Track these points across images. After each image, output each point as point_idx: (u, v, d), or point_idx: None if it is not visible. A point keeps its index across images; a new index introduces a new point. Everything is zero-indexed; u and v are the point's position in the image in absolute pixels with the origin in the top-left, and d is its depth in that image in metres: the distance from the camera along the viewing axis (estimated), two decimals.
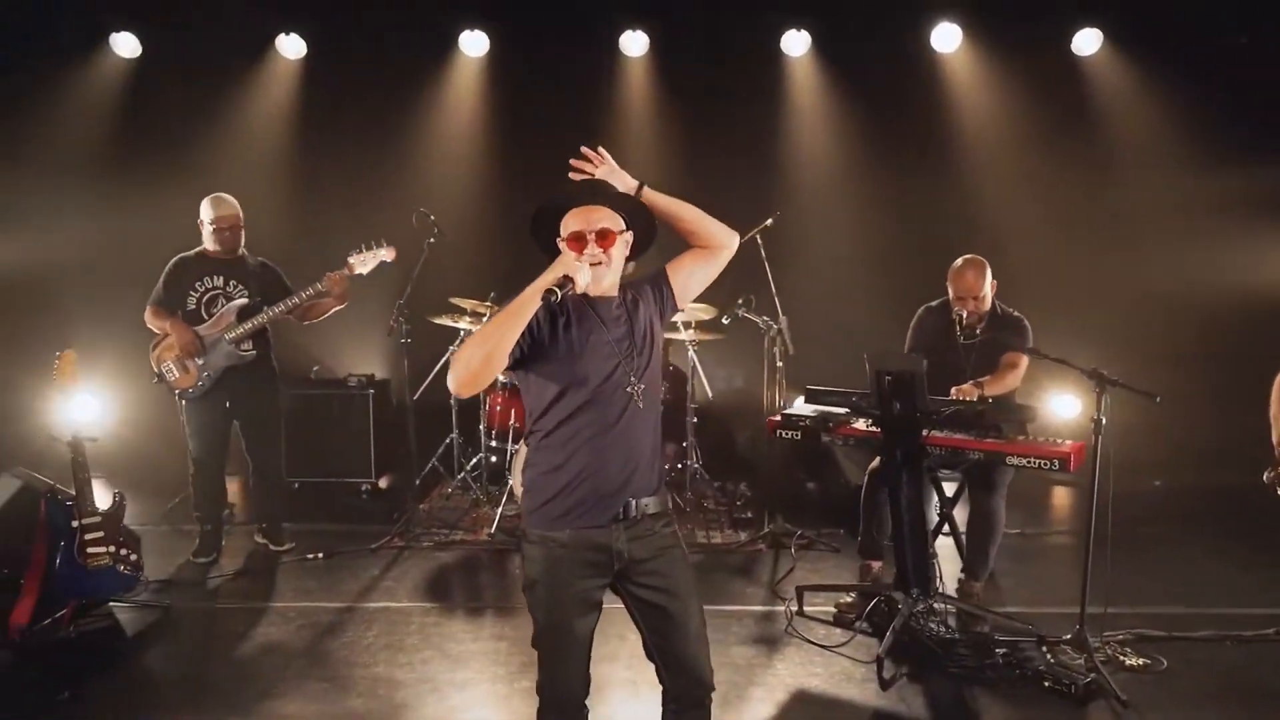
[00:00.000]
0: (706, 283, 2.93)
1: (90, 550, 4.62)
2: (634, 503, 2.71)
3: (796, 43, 7.36)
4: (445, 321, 6.47)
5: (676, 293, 2.88)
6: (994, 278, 4.82)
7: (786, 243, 6.47)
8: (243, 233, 5.45)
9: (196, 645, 4.63)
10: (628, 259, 2.86)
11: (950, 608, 4.50)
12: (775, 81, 7.51)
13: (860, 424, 4.54)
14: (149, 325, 5.37)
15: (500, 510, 5.95)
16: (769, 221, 5.82)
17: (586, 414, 2.68)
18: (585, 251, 2.68)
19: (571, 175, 2.87)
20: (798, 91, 7.52)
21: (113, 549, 4.68)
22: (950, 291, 4.88)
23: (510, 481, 5.91)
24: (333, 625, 4.72)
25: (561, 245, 2.73)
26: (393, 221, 5.87)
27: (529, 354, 2.66)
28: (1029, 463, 4.21)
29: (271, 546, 5.71)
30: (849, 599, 4.77)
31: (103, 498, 4.70)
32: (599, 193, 2.79)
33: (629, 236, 2.81)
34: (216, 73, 7.27)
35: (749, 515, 6.26)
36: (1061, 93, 7.34)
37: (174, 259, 5.41)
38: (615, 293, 2.80)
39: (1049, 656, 4.20)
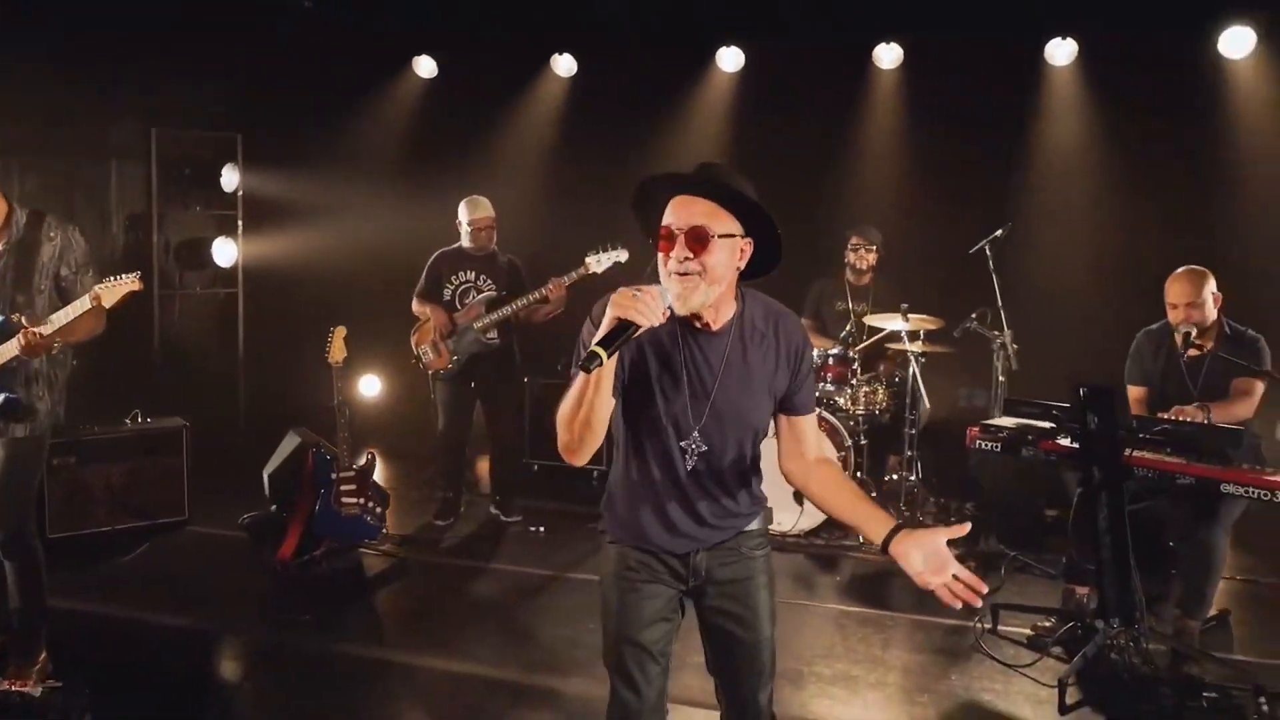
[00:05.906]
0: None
1: (344, 500, 5.32)
2: (696, 554, 2.50)
3: (1060, 52, 7.02)
4: None
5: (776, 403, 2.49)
6: (1218, 291, 4.45)
7: (1019, 253, 6.26)
8: (494, 232, 6.01)
9: (418, 590, 5.23)
10: (742, 274, 2.34)
11: (1161, 646, 4.21)
12: (1035, 92, 7.19)
13: (1065, 440, 4.35)
14: (414, 311, 6.05)
15: None
16: (999, 232, 5.68)
17: (643, 461, 2.46)
18: (671, 254, 2.22)
19: None
20: (1055, 100, 7.17)
21: (362, 500, 5.36)
22: (1166, 303, 4.54)
23: None
24: (538, 589, 5.14)
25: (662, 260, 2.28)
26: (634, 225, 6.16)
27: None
28: (1248, 492, 3.85)
29: (503, 517, 6.24)
30: (1048, 623, 4.56)
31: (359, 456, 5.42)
32: (708, 180, 2.24)
33: (743, 244, 2.28)
34: (495, 91, 8.00)
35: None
36: None
37: (435, 254, 6.05)
38: (718, 318, 2.34)
39: (1264, 707, 3.82)
